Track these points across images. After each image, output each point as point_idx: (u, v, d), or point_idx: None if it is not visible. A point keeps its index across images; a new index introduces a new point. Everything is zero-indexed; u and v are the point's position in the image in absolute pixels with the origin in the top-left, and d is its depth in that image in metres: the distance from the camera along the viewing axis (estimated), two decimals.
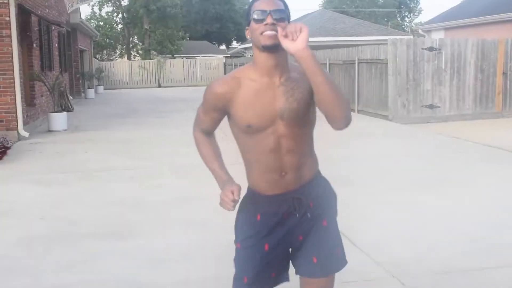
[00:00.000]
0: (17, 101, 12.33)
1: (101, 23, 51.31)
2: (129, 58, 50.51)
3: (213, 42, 59.52)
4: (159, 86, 38.86)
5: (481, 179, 7.81)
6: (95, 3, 49.69)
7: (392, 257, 4.88)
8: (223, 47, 61.94)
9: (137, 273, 4.68)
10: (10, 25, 12.04)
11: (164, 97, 27.34)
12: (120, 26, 52.42)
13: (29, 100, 14.33)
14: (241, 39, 56.25)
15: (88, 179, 8.38)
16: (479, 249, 5.07)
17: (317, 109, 2.43)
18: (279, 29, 2.19)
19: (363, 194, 7.14)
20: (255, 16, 2.31)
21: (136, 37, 52.54)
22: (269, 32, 2.27)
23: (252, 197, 2.55)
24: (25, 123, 12.85)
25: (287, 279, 2.63)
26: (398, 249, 5.10)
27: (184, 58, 43.03)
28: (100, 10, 51.24)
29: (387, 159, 9.50)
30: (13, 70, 12.18)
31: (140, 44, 51.90)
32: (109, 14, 52.08)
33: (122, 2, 50.18)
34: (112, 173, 8.79)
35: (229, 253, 2.74)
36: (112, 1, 50.70)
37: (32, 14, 14.26)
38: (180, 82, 39.44)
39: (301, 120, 2.42)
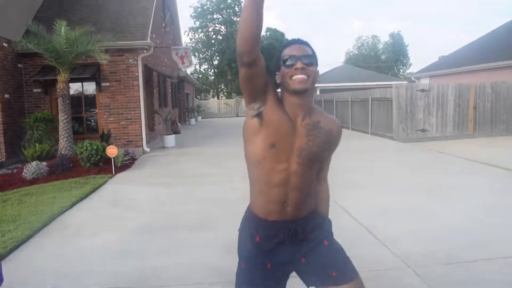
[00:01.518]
0: (142, 128, 12.16)
1: (200, 76, 51.78)
2: (218, 98, 50.61)
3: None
4: (237, 116, 38.84)
5: (465, 184, 6.96)
6: (196, 63, 50.35)
7: (406, 250, 4.19)
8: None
9: (216, 258, 4.18)
10: (138, 78, 11.90)
11: (239, 123, 27.04)
12: (212, 77, 52.73)
13: (151, 127, 14.18)
14: None
15: (186, 182, 7.99)
16: (471, 243, 4.32)
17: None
18: None
19: (381, 196, 6.44)
20: (286, 61, 1.75)
21: (222, 84, 52.75)
22: (299, 76, 1.72)
23: (252, 218, 1.91)
24: (147, 142, 12.67)
25: None
26: (410, 243, 4.40)
27: None
28: (200, 67, 51.84)
29: (395, 169, 8.73)
30: (140, 107, 12.02)
31: (225, 89, 52.07)
32: (205, 69, 52.53)
33: (213, 62, 50.51)
34: (202, 178, 8.36)
35: None
36: (207, 62, 51.11)
37: (153, 70, 14.13)
38: None
39: (316, 164, 1.85)
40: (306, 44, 1.81)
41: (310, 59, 1.75)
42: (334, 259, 1.92)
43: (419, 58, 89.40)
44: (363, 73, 33.81)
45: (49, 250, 4.66)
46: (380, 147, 12.36)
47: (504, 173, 7.86)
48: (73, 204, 6.51)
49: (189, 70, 32.35)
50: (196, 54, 49.79)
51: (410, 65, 60.95)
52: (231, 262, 4.05)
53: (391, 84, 14.17)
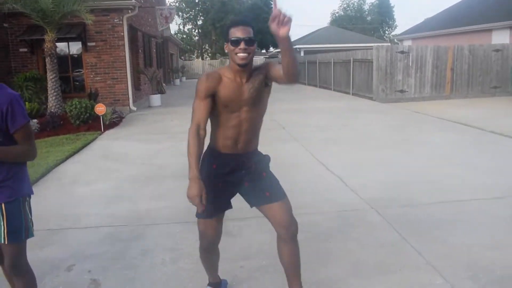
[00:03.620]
0: (128, 87, 12.36)
1: (184, 36, 51.07)
2: (202, 59, 50.20)
3: (257, 48, 58.90)
4: None
5: (433, 141, 7.50)
6: (180, 23, 49.62)
7: (372, 195, 4.71)
8: (264, 51, 61.28)
9: None
10: (124, 38, 11.99)
11: None
12: (196, 37, 52.07)
13: (137, 86, 14.35)
14: (276, 45, 55.52)
15: (172, 138, 8.36)
16: (430, 189, 4.85)
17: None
18: (273, 16, 1.86)
19: (355, 151, 6.93)
20: (232, 41, 2.21)
21: (207, 45, 52.18)
22: (241, 55, 2.22)
23: (211, 152, 2.47)
24: (134, 101, 12.90)
25: (231, 207, 2.53)
26: (376, 190, 4.92)
27: None
28: (183, 27, 51.04)
29: (371, 127, 9.21)
30: (126, 67, 12.18)
31: (210, 49, 51.56)
32: (189, 30, 51.80)
33: (198, 22, 49.76)
34: (185, 134, 8.70)
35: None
36: (191, 22, 50.33)
37: (138, 30, 14.16)
38: None
39: (257, 105, 2.40)
40: (249, 25, 2.25)
41: (251, 40, 2.22)
42: (269, 184, 2.48)
43: (405, 20, 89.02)
44: (347, 35, 33.85)
45: (49, 197, 5.05)
46: (359, 107, 12.81)
47: (472, 131, 8.41)
48: (67, 158, 6.87)
49: (172, 30, 31.92)
50: (180, 14, 48.96)
51: (395, 27, 60.76)
52: None
53: (373, 46, 14.46)
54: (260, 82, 2.35)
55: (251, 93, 2.33)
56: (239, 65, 2.24)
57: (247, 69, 2.30)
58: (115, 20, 11.82)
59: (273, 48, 58.33)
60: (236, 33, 2.21)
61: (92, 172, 6.13)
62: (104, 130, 9.37)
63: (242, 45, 2.19)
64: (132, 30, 13.19)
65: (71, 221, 4.24)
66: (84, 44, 11.85)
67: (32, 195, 2.32)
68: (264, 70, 2.35)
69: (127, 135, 8.98)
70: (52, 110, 9.85)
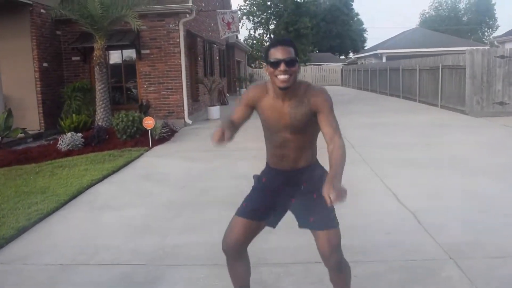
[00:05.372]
0: (184, 98, 12.42)
1: (255, 42, 51.69)
2: None
3: (335, 54, 58.23)
4: None
5: None
6: (251, 28, 50.43)
7: (452, 239, 4.04)
8: (342, 57, 60.37)
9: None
10: (180, 44, 12.10)
11: None
12: (268, 43, 52.52)
13: (195, 97, 14.44)
14: (356, 51, 54.49)
15: (225, 157, 8.09)
16: None
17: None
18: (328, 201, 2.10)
19: (437, 177, 6.22)
20: (272, 63, 2.29)
21: None
22: (282, 77, 2.28)
23: (266, 166, 2.68)
24: (190, 114, 12.94)
25: (273, 226, 2.67)
26: (458, 232, 4.23)
27: (313, 65, 42.81)
28: (254, 32, 51.69)
29: (461, 148, 8.35)
30: (181, 76, 12.27)
31: None
32: (260, 35, 52.33)
33: (269, 26, 50.17)
34: (243, 152, 8.39)
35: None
36: (263, 26, 50.84)
37: (197, 36, 14.28)
38: (311, 82, 38.73)
39: (301, 132, 2.47)
40: (289, 44, 2.32)
41: (292, 61, 2.29)
42: (316, 208, 2.45)
43: (509, 19, 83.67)
44: (437, 38, 32.28)
45: (73, 223, 4.95)
46: (448, 122, 11.86)
47: None
48: (104, 177, 6.83)
49: (243, 35, 32.32)
50: (251, 18, 49.68)
51: (497, 28, 57.29)
52: (256, 245, 4.11)
53: (466, 50, 13.41)
54: (305, 113, 2.39)
55: (293, 120, 2.41)
56: (280, 88, 2.32)
57: (289, 91, 2.36)
58: (171, 26, 11.96)
59: (352, 53, 57.56)
60: (276, 54, 2.29)
61: (126, 195, 6.00)
62: (153, 146, 9.37)
63: (282, 67, 2.26)
64: (190, 36, 13.30)
65: (87, 254, 4.05)
66: (138, 52, 12.10)
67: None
68: (312, 104, 2.39)
69: (176, 151, 8.88)
70: (100, 123, 10.06)
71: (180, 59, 12.16)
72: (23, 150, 8.89)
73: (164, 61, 12.16)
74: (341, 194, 2.10)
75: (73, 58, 12.29)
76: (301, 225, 2.58)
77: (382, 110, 15.50)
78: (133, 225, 4.79)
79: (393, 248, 3.92)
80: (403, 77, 19.67)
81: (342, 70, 37.91)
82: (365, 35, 61.53)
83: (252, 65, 50.22)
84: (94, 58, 10.04)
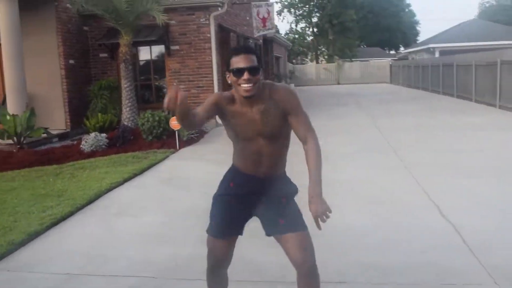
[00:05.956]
0: None
1: (296, 36, 51.48)
2: (317, 62, 50.10)
3: (384, 48, 57.31)
4: (338, 83, 38.23)
5: None
6: (292, 21, 50.30)
7: (500, 262, 3.79)
8: (392, 52, 59.31)
9: (260, 253, 4.15)
10: (210, 40, 12.14)
11: (338, 92, 26.49)
12: (311, 37, 52.17)
13: None
14: (407, 45, 53.35)
15: None
16: None
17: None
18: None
19: (489, 188, 5.90)
20: (234, 72, 2.37)
21: (322, 46, 52.03)
22: (245, 86, 2.36)
23: (232, 170, 2.69)
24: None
25: (241, 234, 2.72)
26: (509, 253, 3.98)
27: (360, 61, 42.21)
28: (296, 25, 51.44)
29: None
30: (212, 73, 12.31)
31: (326, 51, 51.29)
32: (303, 29, 52.04)
33: (312, 19, 49.85)
34: None
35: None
36: (305, 19, 50.55)
37: (230, 31, 14.30)
38: (357, 80, 38.23)
39: (275, 137, 2.53)
40: (251, 52, 2.42)
41: (255, 69, 2.37)
42: (286, 211, 2.56)
43: None
44: (499, 30, 31.14)
45: (86, 229, 5.00)
46: (506, 124, 11.37)
47: None
48: (125, 181, 6.89)
49: (283, 29, 32.22)
50: (292, 10, 49.52)
51: None
52: (275, 259, 4.02)
53: None
54: (275, 116, 2.47)
55: (265, 126, 2.47)
56: (244, 97, 2.41)
57: (253, 100, 2.44)
58: (201, 20, 12.02)
59: (403, 48, 56.44)
60: (239, 62, 2.37)
61: (145, 200, 6.03)
62: (180, 148, 9.41)
63: (246, 76, 2.35)
64: (222, 30, 13.33)
65: (96, 264, 4.07)
66: (167, 48, 12.22)
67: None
68: (280, 106, 2.47)
69: (203, 154, 8.89)
70: (125, 123, 10.20)
71: (211, 55, 12.20)
72: (46, 150, 9.13)
73: (194, 57, 12.23)
74: (326, 212, 2.34)
75: (101, 55, 12.55)
76: (269, 232, 2.62)
77: (432, 110, 15.06)
78: (147, 233, 4.78)
79: (429, 269, 3.72)
80: (458, 74, 19.05)
81: (391, 66, 37.12)
82: (417, 28, 60.27)
83: (294, 61, 50.02)
84: (120, 54, 10.21)
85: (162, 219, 5.23)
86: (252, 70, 2.35)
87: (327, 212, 2.32)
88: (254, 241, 3.52)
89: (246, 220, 2.69)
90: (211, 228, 2.69)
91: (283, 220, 2.52)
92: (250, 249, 4.01)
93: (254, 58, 2.39)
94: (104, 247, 4.46)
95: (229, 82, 2.44)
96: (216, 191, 2.74)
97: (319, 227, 2.36)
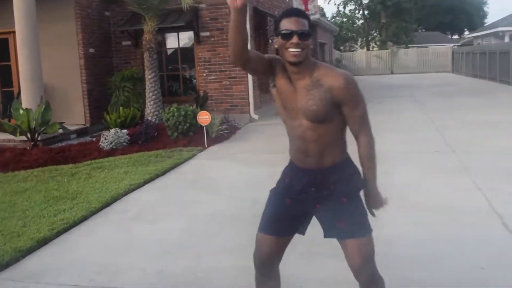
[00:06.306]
0: (249, 89, 12.45)
1: (345, 20, 51.02)
2: (368, 49, 49.49)
3: (445, 33, 56.07)
4: (392, 73, 37.61)
5: None
6: (340, 3, 49.81)
7: None
8: (456, 36, 57.96)
9: (292, 265, 4.08)
10: None
11: (391, 84, 26.01)
12: (361, 21, 51.61)
13: (265, 88, 14.40)
14: (473, 28, 52.04)
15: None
16: None
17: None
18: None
19: None
20: (283, 34, 2.42)
21: (374, 30, 51.37)
22: (293, 50, 2.41)
23: (289, 164, 2.77)
24: (257, 108, 12.94)
25: (301, 233, 2.80)
26: None
27: (417, 47, 41.22)
28: (344, 8, 51.04)
29: None
30: None
31: (378, 36, 50.62)
32: (352, 11, 51.54)
33: (362, 0, 49.26)
34: None
35: None
36: (355, 1, 50.04)
37: (267, 15, 14.25)
38: (413, 69, 37.48)
39: (320, 121, 2.52)
40: (303, 16, 2.47)
41: (306, 34, 2.42)
42: (346, 213, 2.57)
43: None
44: None
45: (99, 236, 5.07)
46: None
47: None
48: (145, 182, 6.96)
49: (329, 12, 31.93)
50: None
51: None
52: (308, 271, 3.95)
53: None
54: (321, 99, 2.47)
55: (305, 105, 2.49)
56: (290, 63, 2.46)
57: (301, 69, 2.48)
58: None
59: (468, 32, 55.10)
60: (288, 25, 2.42)
61: (166, 204, 6.06)
62: (208, 146, 9.44)
63: (294, 39, 2.39)
64: (258, 14, 13.31)
65: (106, 275, 4.10)
66: (196, 35, 12.28)
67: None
68: (334, 93, 2.46)
69: (234, 153, 8.88)
70: (149, 118, 10.31)
71: None
72: (62, 148, 9.33)
73: (226, 44, 12.17)
74: (381, 203, 2.67)
75: (124, 43, 12.75)
76: (327, 235, 2.67)
77: (499, 105, 14.60)
78: (165, 241, 4.80)
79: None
80: None
81: (453, 53, 36.19)
82: (485, 8, 58.68)
83: (341, 47, 49.55)
84: (144, 42, 10.32)
85: (182, 225, 5.24)
86: (302, 35, 2.40)
87: (383, 205, 2.66)
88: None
89: (303, 219, 2.75)
90: (261, 223, 2.79)
91: (343, 223, 2.57)
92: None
93: (305, 22, 2.45)
94: (117, 256, 4.49)
95: (276, 46, 2.52)
96: (275, 186, 2.84)
97: (373, 214, 2.69)
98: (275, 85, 2.60)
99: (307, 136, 2.55)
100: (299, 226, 2.76)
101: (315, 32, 25.59)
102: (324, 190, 2.60)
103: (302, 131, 2.55)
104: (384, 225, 4.86)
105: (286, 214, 2.70)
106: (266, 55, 2.62)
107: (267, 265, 2.82)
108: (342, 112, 2.52)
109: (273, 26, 2.60)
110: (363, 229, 2.57)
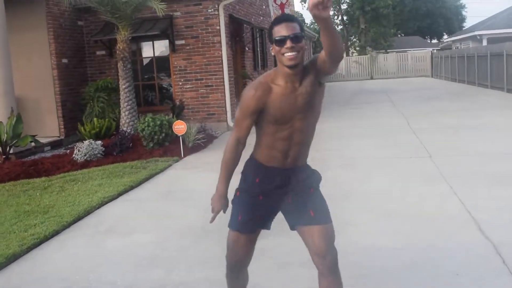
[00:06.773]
0: (226, 97, 12.45)
1: None
2: (347, 55, 49.85)
3: (425, 37, 56.71)
4: (371, 78, 37.85)
5: None
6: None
7: None
8: (435, 41, 58.62)
9: (268, 277, 4.07)
10: (220, 32, 12.14)
11: (370, 88, 26.25)
12: (340, 27, 52.00)
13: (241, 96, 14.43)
14: (451, 32, 52.72)
15: None
16: None
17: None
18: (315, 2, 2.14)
19: None
20: (277, 41, 2.56)
21: (353, 36, 51.79)
22: (289, 54, 2.53)
23: (254, 164, 2.88)
24: (234, 116, 12.90)
25: (268, 228, 2.98)
26: None
27: (396, 52, 41.58)
28: None
29: None
30: (222, 71, 12.30)
31: (358, 42, 51.07)
32: (330, 17, 51.97)
33: (341, 6, 49.70)
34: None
35: None
36: (333, 6, 50.44)
37: (243, 22, 14.28)
38: (393, 74, 37.71)
39: (311, 111, 2.72)
40: (293, 20, 2.59)
41: (298, 37, 2.55)
42: (315, 203, 2.82)
43: None
44: None
45: (70, 250, 5.03)
46: None
47: None
48: (119, 195, 6.92)
49: (308, 18, 31.97)
50: None
51: None
52: (277, 281, 3.93)
53: None
54: (312, 83, 2.65)
55: (305, 98, 2.66)
56: (288, 67, 2.57)
57: (298, 70, 2.61)
58: (209, 11, 12.03)
59: (447, 35, 55.78)
60: (280, 31, 2.56)
61: (139, 217, 6.03)
62: (185, 155, 9.42)
63: (288, 44, 2.53)
64: (234, 22, 13.33)
65: None
66: (171, 43, 12.26)
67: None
68: (313, 65, 2.63)
69: (211, 162, 8.83)
70: (124, 129, 10.25)
71: (221, 50, 12.20)
72: (35, 161, 9.23)
73: (202, 53, 12.25)
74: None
75: (98, 53, 12.67)
76: (295, 223, 2.87)
77: (477, 108, 14.79)
78: (138, 255, 4.77)
79: None
80: (508, 65, 18.69)
81: (432, 57, 36.58)
82: (463, 12, 59.51)
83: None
84: (117, 52, 10.27)
85: (155, 238, 5.21)
86: (295, 38, 2.53)
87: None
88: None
89: (273, 214, 2.95)
90: (235, 223, 2.89)
91: (313, 211, 2.78)
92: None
93: (296, 26, 2.57)
94: (88, 271, 4.45)
95: (273, 54, 2.65)
96: (238, 187, 2.96)
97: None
98: (268, 105, 2.64)
99: (293, 137, 2.72)
100: (268, 221, 2.95)
101: None
102: (295, 185, 2.83)
103: (290, 133, 2.71)
104: (359, 233, 4.89)
105: (260, 212, 2.87)
106: (251, 107, 2.64)
107: (243, 263, 3.00)
108: (322, 83, 2.71)
109: (267, 35, 2.72)
110: (328, 217, 2.81)
